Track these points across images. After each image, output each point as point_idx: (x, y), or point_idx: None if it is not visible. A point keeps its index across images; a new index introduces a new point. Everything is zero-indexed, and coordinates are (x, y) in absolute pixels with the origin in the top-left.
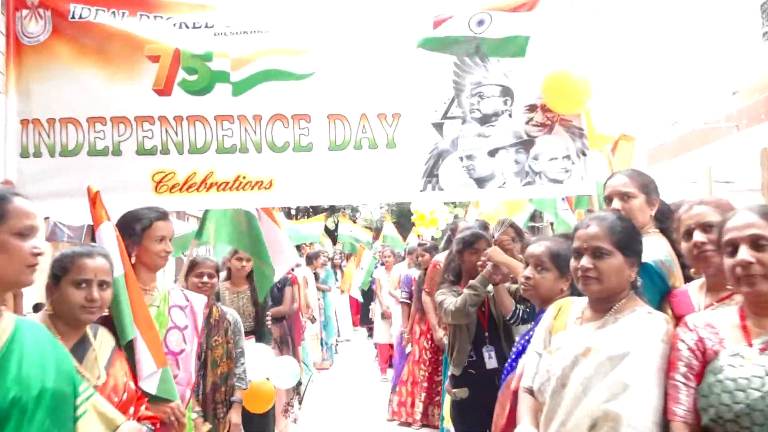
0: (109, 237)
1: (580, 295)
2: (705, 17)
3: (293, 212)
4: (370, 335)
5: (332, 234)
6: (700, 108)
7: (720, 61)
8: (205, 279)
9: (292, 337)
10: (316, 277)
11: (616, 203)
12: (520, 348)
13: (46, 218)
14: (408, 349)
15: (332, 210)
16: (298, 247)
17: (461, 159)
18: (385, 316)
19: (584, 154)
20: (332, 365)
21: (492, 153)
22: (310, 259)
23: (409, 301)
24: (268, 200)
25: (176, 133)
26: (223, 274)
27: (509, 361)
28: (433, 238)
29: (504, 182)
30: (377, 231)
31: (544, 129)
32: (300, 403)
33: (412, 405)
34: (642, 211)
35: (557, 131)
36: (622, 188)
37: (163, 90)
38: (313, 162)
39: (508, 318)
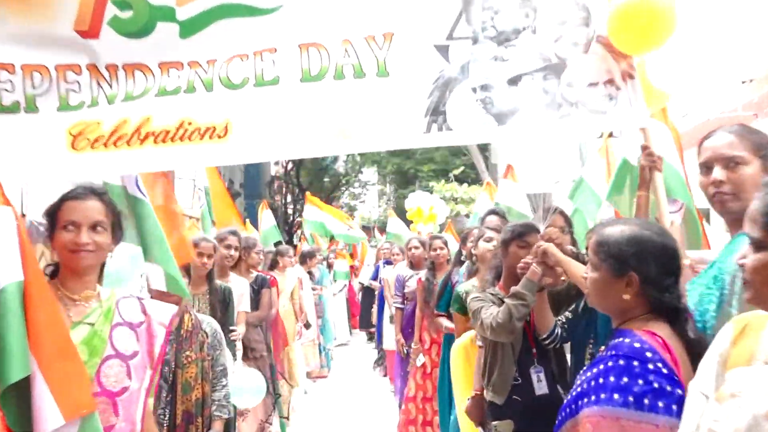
0: (3, 227)
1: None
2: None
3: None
4: (370, 339)
5: None
6: (715, 97)
7: (735, 47)
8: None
9: (268, 345)
10: (311, 276)
11: (719, 172)
12: (593, 383)
13: (23, 215)
14: (420, 361)
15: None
16: (295, 247)
17: (474, 90)
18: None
19: (631, 77)
20: (330, 372)
21: (513, 81)
22: (305, 258)
23: (401, 306)
24: (221, 154)
25: (110, 86)
26: None
27: (572, 396)
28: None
29: (531, 117)
30: (376, 230)
31: (578, 48)
32: (288, 418)
33: (425, 423)
34: (756, 182)
35: (595, 50)
36: (727, 150)
37: (89, 32)
38: (281, 98)
39: (543, 337)
